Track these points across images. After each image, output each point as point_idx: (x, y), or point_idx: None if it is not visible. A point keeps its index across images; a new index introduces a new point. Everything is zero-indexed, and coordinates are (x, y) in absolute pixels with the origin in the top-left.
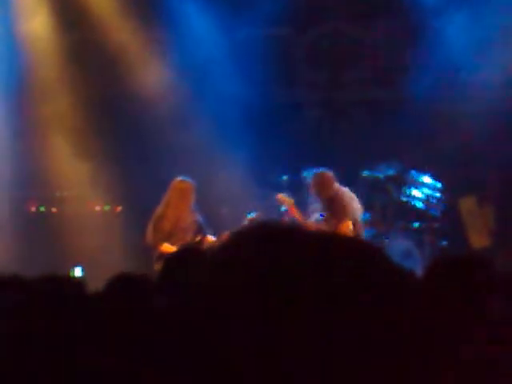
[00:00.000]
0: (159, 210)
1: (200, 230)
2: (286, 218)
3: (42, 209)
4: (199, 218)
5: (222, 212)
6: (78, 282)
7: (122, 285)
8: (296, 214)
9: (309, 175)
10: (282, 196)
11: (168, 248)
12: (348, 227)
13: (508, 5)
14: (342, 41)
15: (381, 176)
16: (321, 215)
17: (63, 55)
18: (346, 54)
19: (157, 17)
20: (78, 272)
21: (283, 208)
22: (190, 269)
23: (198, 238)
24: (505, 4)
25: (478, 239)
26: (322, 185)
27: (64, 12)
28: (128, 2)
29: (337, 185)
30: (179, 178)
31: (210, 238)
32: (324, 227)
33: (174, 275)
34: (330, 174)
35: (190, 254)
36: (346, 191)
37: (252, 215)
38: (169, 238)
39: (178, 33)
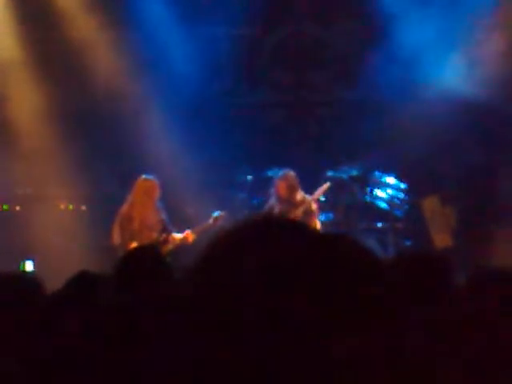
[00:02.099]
0: (124, 209)
1: (165, 228)
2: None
3: (6, 207)
4: (164, 216)
5: (187, 211)
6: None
7: (83, 282)
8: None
9: (276, 175)
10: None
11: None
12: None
13: (472, 5)
14: (306, 41)
15: (345, 176)
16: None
17: (26, 54)
18: (310, 55)
19: (120, 15)
20: (29, 266)
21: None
22: (146, 268)
23: (164, 236)
24: (469, 5)
25: (441, 239)
26: (294, 186)
27: (27, 10)
28: (92, 0)
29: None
30: (143, 177)
31: (176, 236)
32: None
33: (131, 273)
34: (295, 175)
35: (147, 252)
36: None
37: (217, 214)
38: (136, 237)
39: (141, 31)
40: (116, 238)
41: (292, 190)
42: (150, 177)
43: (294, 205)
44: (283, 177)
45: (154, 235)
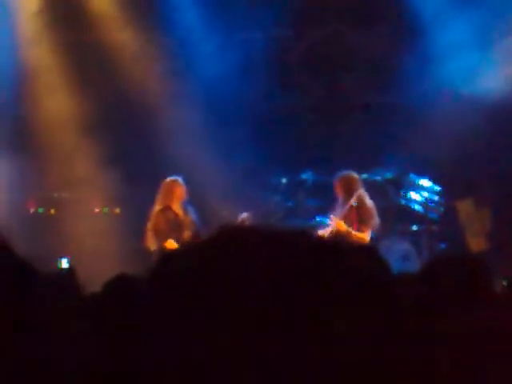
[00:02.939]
0: (156, 210)
1: (196, 229)
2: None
3: (41, 210)
4: (194, 217)
5: (221, 213)
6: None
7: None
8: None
9: (335, 177)
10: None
11: (172, 244)
12: (368, 237)
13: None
14: (339, 45)
15: (379, 179)
16: (324, 218)
17: (59, 58)
18: (342, 59)
19: (154, 19)
20: (64, 263)
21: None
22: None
23: (195, 237)
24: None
25: (476, 242)
26: (349, 188)
27: (61, 13)
28: (126, 5)
29: (362, 189)
30: (169, 178)
31: None
32: (342, 231)
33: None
34: (356, 176)
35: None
36: (370, 202)
37: (243, 216)
38: (167, 238)
39: (174, 35)
40: (149, 239)
41: (349, 192)
42: (175, 178)
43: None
44: (341, 178)
45: (185, 236)
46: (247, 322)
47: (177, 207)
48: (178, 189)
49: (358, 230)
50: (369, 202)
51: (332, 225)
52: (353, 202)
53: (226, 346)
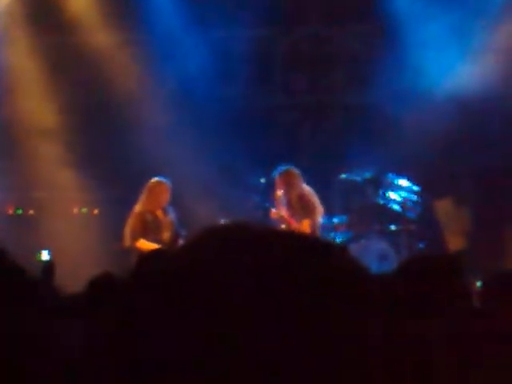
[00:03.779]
0: (136, 209)
1: (175, 230)
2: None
3: (20, 211)
4: (174, 218)
5: (199, 213)
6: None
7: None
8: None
9: (275, 173)
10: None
11: (144, 245)
12: (313, 225)
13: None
14: (320, 44)
15: (358, 179)
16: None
17: (42, 58)
18: (323, 58)
19: (133, 18)
20: (45, 255)
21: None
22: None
23: (173, 238)
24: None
25: (455, 241)
26: (290, 182)
27: (35, 12)
28: (103, 4)
29: (301, 183)
30: (155, 179)
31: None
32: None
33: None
34: (296, 171)
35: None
36: (311, 190)
37: (223, 222)
38: (146, 238)
39: (154, 34)
40: (127, 238)
41: (291, 185)
42: (162, 179)
43: (295, 200)
44: (281, 173)
45: (165, 236)
46: (234, 320)
47: (158, 208)
48: (163, 191)
49: (301, 220)
50: (309, 193)
51: (276, 218)
52: (279, 193)
53: (215, 344)
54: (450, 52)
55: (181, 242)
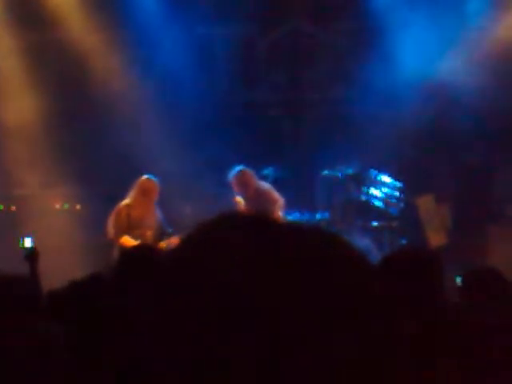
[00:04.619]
0: (122, 204)
1: (161, 227)
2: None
3: (1, 207)
4: (160, 214)
5: (184, 210)
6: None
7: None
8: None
9: (229, 177)
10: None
11: (128, 241)
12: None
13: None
14: (303, 41)
15: (340, 175)
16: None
17: (22, 56)
18: (306, 54)
19: (114, 16)
20: (28, 242)
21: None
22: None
23: (158, 235)
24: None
25: (436, 237)
26: (245, 182)
27: (20, 12)
28: (86, 2)
29: (257, 181)
30: (145, 177)
31: (174, 239)
32: None
33: (128, 272)
34: (250, 170)
35: (146, 252)
36: (269, 186)
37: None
38: (130, 233)
39: (135, 29)
40: (110, 231)
41: (247, 186)
42: (152, 177)
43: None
44: (236, 175)
45: (149, 233)
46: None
47: (146, 205)
48: (153, 188)
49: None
50: (266, 188)
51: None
52: (238, 198)
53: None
54: (433, 49)
55: (166, 239)
